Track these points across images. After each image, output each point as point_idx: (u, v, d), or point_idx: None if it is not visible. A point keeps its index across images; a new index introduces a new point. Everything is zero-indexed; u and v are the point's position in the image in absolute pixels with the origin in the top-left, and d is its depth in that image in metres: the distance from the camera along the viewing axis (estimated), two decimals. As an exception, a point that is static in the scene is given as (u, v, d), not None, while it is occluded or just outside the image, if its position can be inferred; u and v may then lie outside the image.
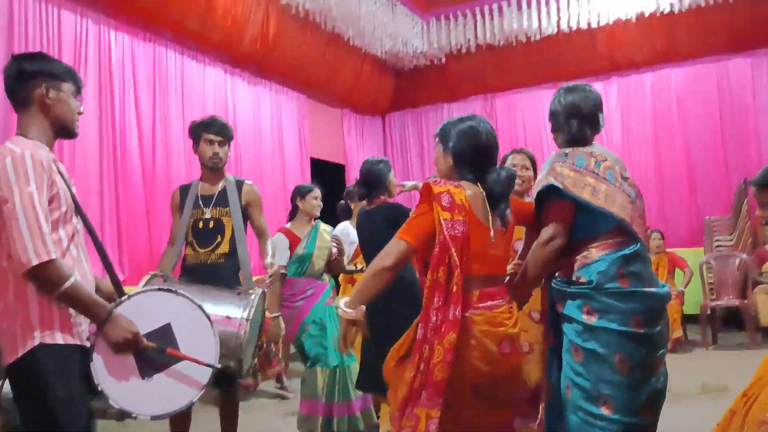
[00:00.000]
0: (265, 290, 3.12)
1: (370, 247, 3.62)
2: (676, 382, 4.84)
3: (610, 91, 8.49)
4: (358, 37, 7.75)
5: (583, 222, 2.22)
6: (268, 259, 3.24)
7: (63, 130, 2.13)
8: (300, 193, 4.18)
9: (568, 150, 2.33)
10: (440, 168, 2.21)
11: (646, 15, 7.83)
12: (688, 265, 6.80)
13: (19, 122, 2.08)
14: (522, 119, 9.00)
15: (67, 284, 1.89)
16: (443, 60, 8.86)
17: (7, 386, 3.37)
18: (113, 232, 5.29)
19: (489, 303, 2.02)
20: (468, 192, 2.06)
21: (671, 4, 7.60)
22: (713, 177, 7.96)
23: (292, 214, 4.23)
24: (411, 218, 2.04)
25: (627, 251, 2.17)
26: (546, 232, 2.21)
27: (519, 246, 2.64)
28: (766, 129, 7.76)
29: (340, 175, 8.66)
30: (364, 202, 3.76)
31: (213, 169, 3.26)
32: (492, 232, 2.05)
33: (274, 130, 7.49)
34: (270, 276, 3.23)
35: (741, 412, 2.33)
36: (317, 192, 4.17)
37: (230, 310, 2.71)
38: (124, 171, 5.45)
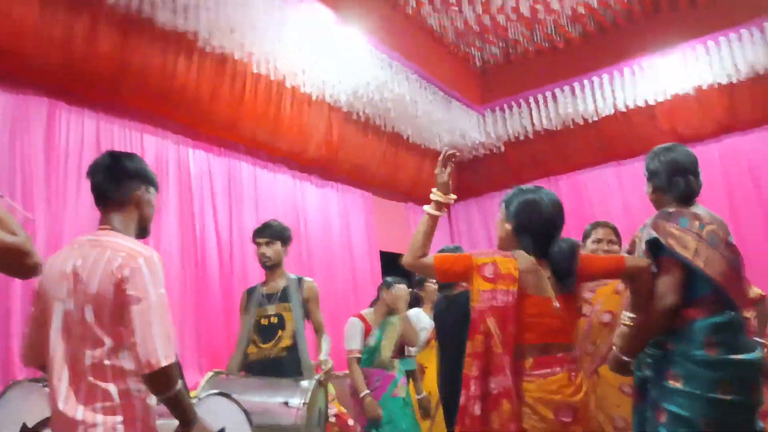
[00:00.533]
0: (321, 379, 3.19)
1: (450, 335, 3.61)
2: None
3: (676, 164, 8.34)
4: (416, 134, 8.03)
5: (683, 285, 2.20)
6: (323, 355, 3.31)
7: (144, 230, 2.20)
8: (387, 284, 4.26)
9: (671, 210, 2.32)
10: (499, 235, 2.27)
11: (704, 88, 7.82)
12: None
13: (110, 217, 2.10)
14: (588, 199, 8.93)
15: (178, 386, 1.93)
16: (502, 149, 9.01)
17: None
18: (191, 335, 5.46)
19: (544, 371, 2.00)
20: (519, 262, 2.06)
21: (728, 75, 7.57)
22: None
23: (373, 303, 4.30)
24: (451, 257, 2.19)
25: (719, 319, 2.12)
26: (660, 288, 2.20)
27: (606, 317, 2.62)
28: None
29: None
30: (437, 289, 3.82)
31: (267, 269, 3.41)
32: (555, 301, 2.04)
33: (342, 227, 7.71)
34: (325, 373, 3.27)
35: None
36: (406, 288, 4.21)
37: (288, 397, 2.87)
38: (203, 276, 5.68)
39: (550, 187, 8.97)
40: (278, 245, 3.47)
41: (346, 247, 7.71)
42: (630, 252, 2.47)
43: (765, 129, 7.99)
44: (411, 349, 4.35)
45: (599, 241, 3.29)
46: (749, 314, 3.64)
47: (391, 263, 8.29)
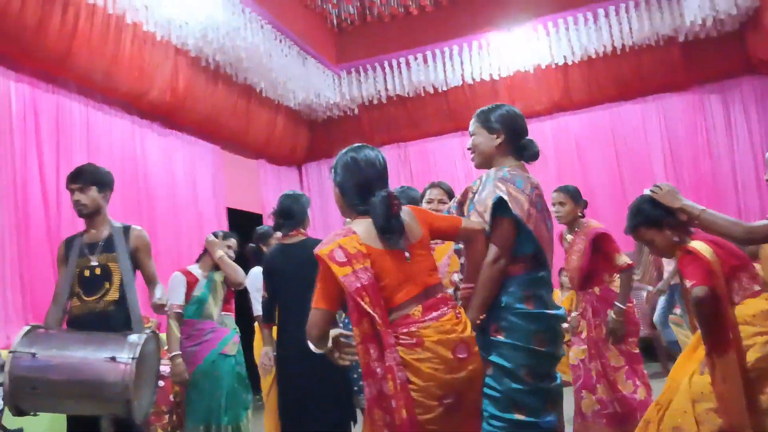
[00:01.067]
0: (156, 331, 3.08)
1: (288, 283, 3.51)
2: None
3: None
4: (270, 88, 7.81)
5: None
6: (157, 296, 3.14)
7: None
8: (214, 234, 4.17)
9: (508, 169, 2.38)
10: (338, 203, 2.25)
11: (543, 66, 8.36)
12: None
13: None
14: (435, 166, 9.25)
15: None
16: (356, 111, 9.06)
17: None
18: (15, 286, 4.94)
19: (434, 314, 2.03)
20: (359, 232, 2.07)
21: (564, 57, 8.16)
22: (615, 215, 8.37)
23: (200, 257, 4.17)
24: (317, 286, 2.06)
25: (534, 275, 2.28)
26: (492, 252, 2.25)
27: (456, 277, 2.68)
28: (658, 168, 8.36)
29: (258, 225, 8.53)
30: (278, 237, 3.72)
31: (84, 217, 3.21)
32: (406, 252, 2.08)
33: (188, 181, 7.33)
34: (160, 306, 3.13)
35: (655, 420, 2.43)
36: (232, 241, 4.15)
37: (115, 352, 2.70)
38: (26, 225, 5.15)
39: (400, 153, 9.34)
40: (94, 191, 3.16)
41: (192, 202, 7.36)
42: (461, 202, 2.53)
43: (592, 110, 8.74)
44: (258, 306, 4.21)
45: (431, 201, 3.37)
46: (611, 282, 3.91)
47: (238, 221, 8.08)
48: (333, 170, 2.22)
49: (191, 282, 3.95)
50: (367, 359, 1.92)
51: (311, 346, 2.02)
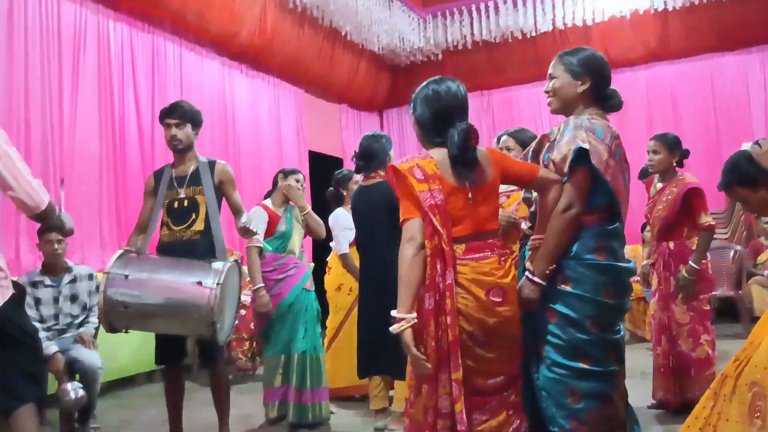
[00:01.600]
0: (239, 261, 3.22)
1: (366, 223, 3.66)
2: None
3: (605, 87, 8.55)
4: (355, 32, 7.81)
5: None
6: (243, 220, 3.27)
7: None
8: (283, 172, 4.18)
9: (588, 117, 2.29)
10: (417, 135, 2.25)
11: (641, 12, 7.92)
12: (684, 257, 6.84)
13: None
14: (519, 115, 9.05)
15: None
16: (440, 56, 8.93)
17: None
18: (111, 218, 5.34)
19: (476, 255, 2.06)
20: (438, 159, 2.09)
21: (665, 2, 7.68)
22: (708, 172, 7.97)
23: (270, 193, 4.23)
24: (402, 203, 2.08)
25: (610, 227, 2.23)
26: (564, 200, 2.20)
27: (524, 225, 2.65)
28: (759, 124, 7.83)
29: (338, 168, 8.68)
30: (359, 179, 3.82)
31: (177, 152, 3.34)
32: (469, 193, 2.08)
33: (272, 123, 7.55)
34: (246, 232, 3.26)
35: (733, 375, 2.36)
36: (300, 176, 4.15)
37: (201, 278, 2.86)
38: (123, 160, 5.50)
39: (483, 101, 9.18)
40: (188, 128, 3.29)
41: (275, 143, 7.58)
42: (536, 151, 2.45)
43: (691, 60, 8.23)
44: (340, 246, 4.31)
45: (501, 149, 3.30)
46: (689, 238, 3.80)
47: (319, 164, 8.26)
48: (412, 104, 2.21)
49: (273, 217, 4.01)
50: (434, 273, 1.97)
51: (407, 260, 1.99)
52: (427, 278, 1.98)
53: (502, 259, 2.12)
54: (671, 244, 3.84)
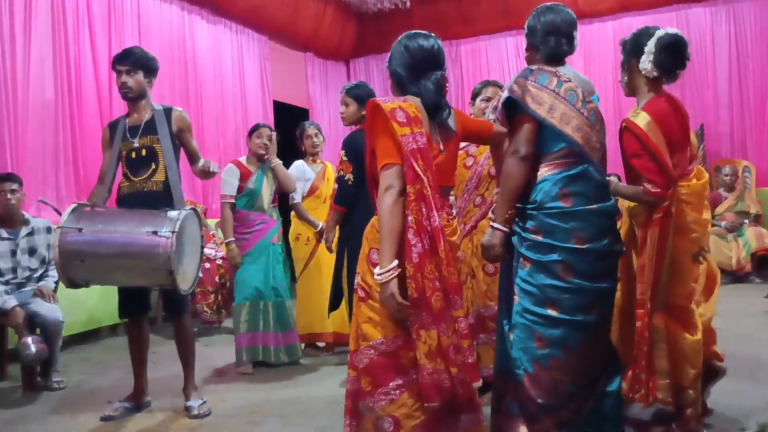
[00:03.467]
0: (196, 209, 3.18)
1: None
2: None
3: (572, 38, 8.52)
4: (321, -23, 7.58)
5: (538, 141, 2.25)
6: (201, 163, 3.26)
7: None
8: (250, 132, 4.32)
9: (533, 67, 2.33)
10: (393, 93, 2.22)
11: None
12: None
13: None
14: (487, 65, 8.98)
15: None
16: (408, 5, 8.73)
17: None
18: (69, 169, 5.18)
19: (444, 214, 2.08)
20: (418, 104, 2.07)
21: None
22: (671, 124, 8.12)
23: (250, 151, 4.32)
24: (380, 144, 2.02)
25: (572, 171, 2.22)
26: (510, 147, 2.26)
27: (494, 170, 2.69)
28: (722, 77, 7.91)
29: (304, 119, 8.54)
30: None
31: (128, 100, 3.26)
32: (441, 144, 2.09)
33: (235, 71, 7.35)
34: (207, 172, 3.24)
35: None
36: (263, 131, 4.24)
37: (156, 227, 2.85)
38: (79, 108, 5.30)
39: (451, 51, 9.08)
40: (140, 75, 3.19)
41: (238, 93, 7.40)
42: (495, 107, 2.52)
43: (658, 12, 8.22)
44: (295, 196, 4.39)
45: (488, 99, 3.31)
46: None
47: (285, 114, 8.11)
48: (388, 62, 2.21)
49: (244, 174, 4.14)
50: (420, 217, 1.95)
51: (387, 208, 1.95)
52: (414, 223, 1.94)
53: (450, 217, 2.15)
54: None
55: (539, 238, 2.20)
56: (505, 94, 2.30)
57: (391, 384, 1.95)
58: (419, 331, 1.93)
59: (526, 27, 2.44)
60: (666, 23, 8.03)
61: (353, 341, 2.08)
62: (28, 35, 4.91)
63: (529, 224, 2.23)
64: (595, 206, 2.21)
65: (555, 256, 2.16)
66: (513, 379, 2.24)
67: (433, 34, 2.21)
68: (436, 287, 1.93)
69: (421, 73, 2.12)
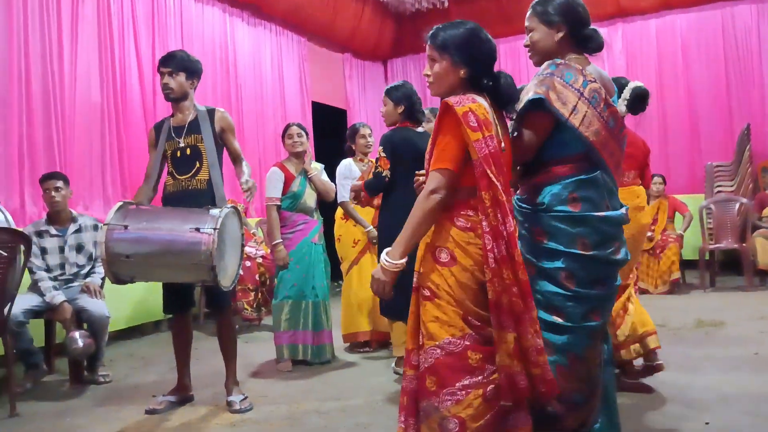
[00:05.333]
0: (237, 207, 3.23)
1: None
2: (673, 319, 4.94)
3: (615, 36, 8.40)
4: (359, -22, 7.62)
5: (554, 141, 2.14)
6: (245, 177, 3.29)
7: None
8: (282, 133, 4.40)
9: (559, 61, 2.20)
10: (448, 83, 2.06)
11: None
12: (689, 209, 6.84)
13: None
14: (527, 64, 8.89)
15: None
16: (446, 4, 8.73)
17: (15, 309, 3.46)
18: (114, 168, 5.32)
19: None
20: (485, 105, 1.99)
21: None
22: (716, 123, 7.93)
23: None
24: (441, 146, 1.97)
25: (584, 176, 2.12)
26: (523, 140, 2.14)
27: None
28: (769, 73, 7.69)
29: (341, 120, 8.63)
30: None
31: (171, 101, 3.34)
32: (503, 143, 2.02)
33: (275, 73, 7.45)
34: (247, 190, 3.25)
35: None
36: (292, 130, 4.31)
37: (198, 224, 2.90)
38: (124, 109, 5.44)
39: (490, 50, 9.00)
40: (182, 77, 3.28)
41: (278, 94, 7.50)
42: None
43: (703, 9, 8.04)
44: (344, 194, 4.44)
45: None
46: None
47: (323, 115, 8.19)
48: (443, 45, 2.04)
49: (288, 177, 4.23)
50: (496, 223, 1.91)
51: (424, 211, 1.92)
52: (489, 228, 1.91)
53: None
54: None
55: (543, 241, 2.13)
56: (531, 93, 2.13)
57: (457, 384, 1.91)
58: (500, 333, 1.91)
59: (557, 12, 2.21)
60: (710, 21, 7.93)
61: (412, 339, 2.05)
62: (75, 40, 5.06)
63: (534, 227, 2.16)
64: (603, 213, 2.12)
65: (559, 263, 2.09)
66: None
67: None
68: (514, 292, 1.90)
69: (492, 65, 2.06)
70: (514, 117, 2.21)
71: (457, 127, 1.92)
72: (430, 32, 2.11)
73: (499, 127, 2.04)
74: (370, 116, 8.93)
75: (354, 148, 4.71)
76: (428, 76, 2.11)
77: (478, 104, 1.97)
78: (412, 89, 3.65)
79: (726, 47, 7.92)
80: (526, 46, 2.31)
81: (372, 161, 4.64)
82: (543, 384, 1.93)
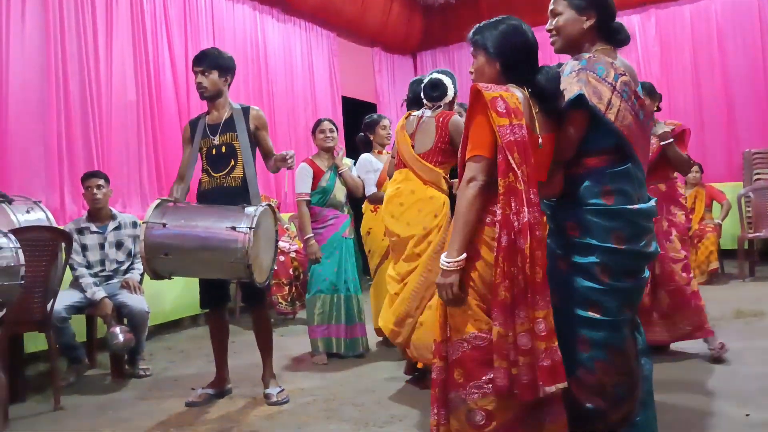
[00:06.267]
0: (272, 205, 3.25)
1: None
2: (712, 310, 4.84)
3: (648, 24, 8.23)
4: (387, -28, 7.61)
5: (589, 135, 2.10)
6: (284, 152, 3.31)
7: None
8: (313, 128, 4.45)
9: (587, 56, 2.16)
10: (488, 77, 2.09)
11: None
12: (726, 197, 6.70)
13: None
14: (560, 54, 8.76)
15: None
16: (476, -5, 8.66)
17: (57, 305, 3.56)
18: (150, 166, 5.42)
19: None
20: (519, 96, 1.99)
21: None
22: (753, 110, 7.72)
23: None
24: (471, 134, 1.98)
25: (616, 168, 2.09)
26: (562, 139, 2.12)
27: None
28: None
29: (372, 113, 8.61)
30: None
31: (205, 99, 3.38)
32: (540, 138, 2.01)
33: (305, 68, 7.50)
34: (284, 161, 3.26)
35: None
36: (324, 125, 4.36)
37: (235, 222, 2.94)
38: (159, 108, 5.54)
39: (520, 40, 8.91)
40: (215, 75, 3.31)
41: (308, 89, 7.55)
42: None
43: (738, -7, 7.83)
44: (369, 188, 4.44)
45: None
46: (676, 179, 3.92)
47: (353, 109, 8.20)
48: (481, 40, 2.07)
49: (317, 173, 4.27)
50: (507, 211, 1.90)
51: (467, 200, 1.93)
52: (501, 216, 1.90)
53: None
54: (662, 186, 3.81)
55: (576, 236, 2.09)
56: (574, 89, 2.08)
57: (483, 378, 1.92)
58: (491, 325, 1.92)
59: (588, 1, 2.15)
60: (746, 4, 7.71)
61: (440, 331, 2.05)
62: (110, 41, 5.17)
63: (566, 221, 2.13)
64: (636, 206, 2.08)
65: (593, 258, 2.06)
66: None
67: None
68: (506, 285, 1.89)
69: (537, 59, 2.06)
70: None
71: (485, 110, 1.93)
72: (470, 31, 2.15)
73: (537, 122, 2.02)
74: (399, 110, 8.91)
75: (372, 139, 4.64)
76: (471, 72, 2.15)
77: (511, 93, 1.97)
78: (418, 85, 3.57)
79: (763, 31, 7.69)
80: (548, 30, 2.25)
81: (389, 153, 4.64)
82: (517, 386, 1.89)
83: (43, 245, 3.38)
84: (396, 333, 3.25)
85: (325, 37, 7.89)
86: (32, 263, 3.16)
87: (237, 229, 2.92)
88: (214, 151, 3.34)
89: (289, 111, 7.14)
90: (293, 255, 5.65)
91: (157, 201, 3.11)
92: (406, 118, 3.50)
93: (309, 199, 4.24)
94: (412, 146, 3.35)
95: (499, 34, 2.05)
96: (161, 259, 2.99)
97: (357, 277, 4.35)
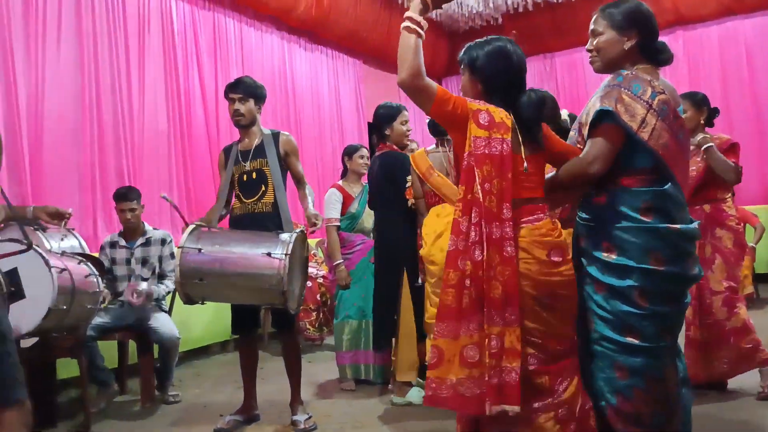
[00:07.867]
0: (304, 231, 3.26)
1: (374, 197, 3.94)
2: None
3: (676, 45, 8.17)
4: (412, -1, 7.69)
5: (622, 153, 2.05)
6: (310, 210, 3.32)
7: None
8: (347, 152, 4.44)
9: (625, 73, 2.12)
10: (471, 96, 2.08)
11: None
12: (759, 220, 6.56)
13: None
14: (584, 78, 8.77)
15: None
16: (500, 20, 8.71)
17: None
18: (181, 192, 5.51)
19: (530, 218, 2.00)
20: (505, 113, 1.99)
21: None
22: (787, 131, 7.60)
23: (344, 173, 4.47)
24: (449, 106, 1.97)
25: (656, 188, 2.03)
26: (592, 151, 2.05)
27: None
28: None
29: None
30: (364, 153, 4.46)
31: (240, 127, 3.41)
32: (525, 162, 1.99)
33: (331, 95, 7.60)
34: (313, 225, 3.29)
35: None
36: (364, 151, 4.40)
37: (270, 248, 2.95)
38: (189, 136, 5.64)
39: (546, 64, 8.94)
40: (251, 102, 3.36)
41: (335, 115, 7.63)
42: (582, 124, 2.24)
43: (766, 14, 7.75)
44: None
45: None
46: (724, 201, 3.62)
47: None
48: (468, 59, 2.07)
49: (346, 198, 4.29)
50: (464, 219, 1.91)
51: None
52: (453, 221, 1.93)
53: (553, 220, 2.08)
54: (707, 207, 3.54)
55: (612, 257, 2.02)
56: (597, 105, 2.07)
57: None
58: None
59: (629, 19, 2.11)
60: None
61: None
62: (142, 71, 5.30)
63: (601, 241, 2.06)
64: (678, 227, 2.01)
65: (631, 282, 1.99)
66: (597, 412, 2.05)
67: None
68: (453, 293, 1.89)
69: (518, 83, 2.05)
70: (579, 128, 2.18)
71: (465, 118, 1.94)
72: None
73: (522, 146, 2.00)
74: (426, 136, 8.94)
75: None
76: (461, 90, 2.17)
77: (497, 109, 1.99)
78: (387, 111, 3.89)
79: (794, 52, 7.61)
80: (588, 50, 2.22)
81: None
82: (457, 398, 1.87)
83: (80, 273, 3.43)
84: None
85: (351, 64, 7.99)
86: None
87: (272, 255, 2.93)
88: (245, 177, 3.38)
89: (316, 138, 7.22)
90: (320, 281, 5.65)
91: (192, 226, 3.14)
92: (426, 153, 3.51)
93: (338, 224, 4.24)
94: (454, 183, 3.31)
95: (484, 55, 2.05)
96: (196, 285, 3.02)
97: None
